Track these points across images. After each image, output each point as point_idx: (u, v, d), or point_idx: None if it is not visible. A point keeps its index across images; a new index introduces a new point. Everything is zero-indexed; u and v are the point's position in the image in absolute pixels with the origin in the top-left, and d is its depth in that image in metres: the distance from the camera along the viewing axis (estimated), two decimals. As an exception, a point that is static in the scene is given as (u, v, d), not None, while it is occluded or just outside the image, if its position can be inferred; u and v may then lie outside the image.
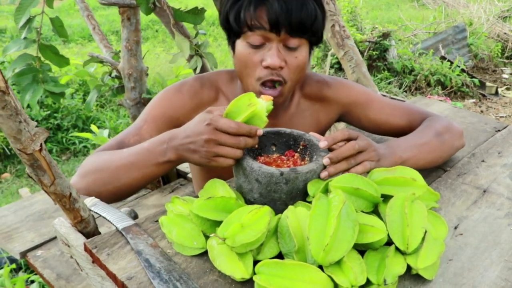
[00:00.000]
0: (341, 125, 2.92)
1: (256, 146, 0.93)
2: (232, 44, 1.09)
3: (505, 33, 6.90)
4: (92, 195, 0.94)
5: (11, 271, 2.11)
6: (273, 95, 1.05)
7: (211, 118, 0.84)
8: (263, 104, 0.85)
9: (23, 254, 1.30)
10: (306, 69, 1.09)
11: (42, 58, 1.46)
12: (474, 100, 5.23)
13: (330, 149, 0.88)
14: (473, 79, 5.46)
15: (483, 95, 5.38)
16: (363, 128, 1.25)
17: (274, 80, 1.04)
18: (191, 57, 1.65)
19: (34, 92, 1.44)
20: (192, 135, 0.86)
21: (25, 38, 1.42)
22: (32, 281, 1.98)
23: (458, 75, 5.38)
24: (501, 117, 4.79)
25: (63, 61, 1.45)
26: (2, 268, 2.08)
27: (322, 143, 0.85)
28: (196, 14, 1.40)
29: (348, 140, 0.89)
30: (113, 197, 0.98)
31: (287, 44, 1.02)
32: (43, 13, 1.45)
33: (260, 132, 0.84)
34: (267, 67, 1.02)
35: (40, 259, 1.24)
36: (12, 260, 2.16)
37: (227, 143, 0.83)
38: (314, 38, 1.06)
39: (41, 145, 0.68)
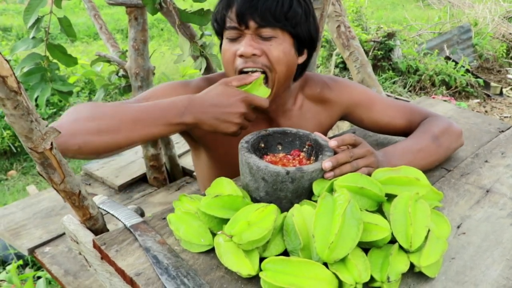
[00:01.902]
0: (345, 124, 2.93)
1: (263, 145, 0.94)
2: (220, 44, 1.12)
3: (510, 33, 6.87)
4: (77, 141, 0.87)
5: (18, 267, 2.13)
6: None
7: (245, 96, 0.97)
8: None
9: (31, 251, 1.32)
10: (292, 66, 1.08)
11: (50, 58, 1.47)
12: (478, 100, 5.22)
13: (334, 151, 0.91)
14: (478, 79, 5.44)
15: (488, 95, 5.37)
16: (365, 128, 1.26)
17: (251, 67, 1.04)
18: (196, 57, 1.66)
19: (43, 91, 1.45)
20: (223, 107, 0.96)
21: (33, 37, 1.43)
22: (39, 277, 1.99)
23: (462, 75, 5.37)
24: (505, 117, 4.78)
25: (71, 61, 1.46)
26: (9, 264, 2.10)
27: (332, 142, 0.89)
28: (202, 15, 1.40)
29: (353, 145, 0.92)
30: (102, 148, 0.91)
31: (260, 34, 1.03)
32: (51, 13, 1.46)
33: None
34: (241, 56, 1.04)
35: (48, 256, 1.26)
36: (19, 256, 2.18)
37: (251, 118, 1.00)
38: (293, 29, 1.04)
39: (51, 143, 0.70)
